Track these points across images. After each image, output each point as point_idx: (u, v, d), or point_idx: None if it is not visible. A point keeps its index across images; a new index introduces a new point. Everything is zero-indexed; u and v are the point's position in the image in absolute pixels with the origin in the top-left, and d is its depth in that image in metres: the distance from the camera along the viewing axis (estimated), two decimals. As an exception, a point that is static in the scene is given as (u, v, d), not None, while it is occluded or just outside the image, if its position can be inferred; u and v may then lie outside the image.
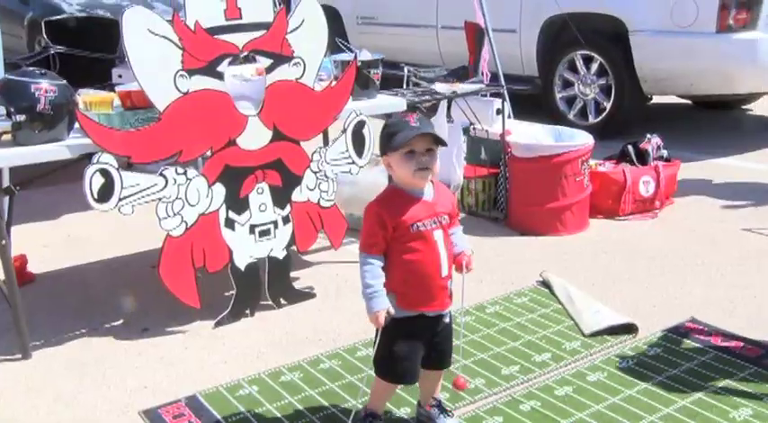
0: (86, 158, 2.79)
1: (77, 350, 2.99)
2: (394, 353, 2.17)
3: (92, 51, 5.23)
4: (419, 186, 2.13)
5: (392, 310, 2.11)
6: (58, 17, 6.17)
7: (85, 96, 3.08)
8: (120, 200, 2.81)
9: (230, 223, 3.11)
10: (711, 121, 6.65)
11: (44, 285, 3.61)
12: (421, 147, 2.07)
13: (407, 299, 2.14)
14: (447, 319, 2.23)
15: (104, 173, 2.76)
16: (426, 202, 2.14)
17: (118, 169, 2.79)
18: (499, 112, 4.33)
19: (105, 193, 2.77)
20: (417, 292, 2.14)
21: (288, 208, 3.27)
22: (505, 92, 4.54)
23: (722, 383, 2.58)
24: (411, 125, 2.06)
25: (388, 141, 2.10)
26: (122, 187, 2.80)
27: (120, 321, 3.22)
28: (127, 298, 3.38)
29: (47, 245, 4.13)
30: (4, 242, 2.86)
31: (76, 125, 2.84)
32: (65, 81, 2.88)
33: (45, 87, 2.78)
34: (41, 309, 3.32)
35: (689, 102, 7.02)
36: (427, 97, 4.07)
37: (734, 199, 4.53)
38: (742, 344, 2.83)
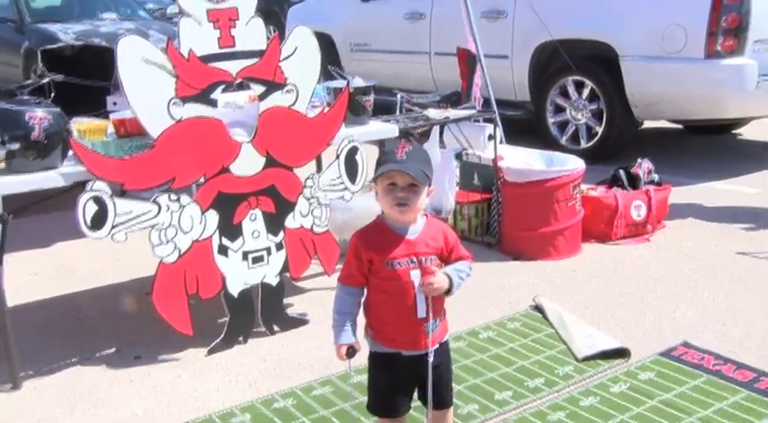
0: (80, 186, 2.80)
1: (69, 379, 2.97)
2: (372, 385, 2.19)
3: (87, 79, 5.25)
4: (399, 221, 2.05)
5: (357, 346, 2.09)
6: (54, 46, 6.21)
7: (79, 124, 3.09)
8: (113, 227, 2.81)
9: (223, 250, 3.11)
10: (702, 145, 6.70)
11: (36, 314, 3.59)
12: (402, 181, 2.00)
13: (382, 335, 2.11)
14: (431, 359, 2.07)
15: (98, 200, 2.77)
16: (407, 241, 2.05)
17: (111, 197, 2.80)
18: (491, 137, 4.38)
19: (98, 221, 2.78)
20: (391, 331, 2.09)
21: (281, 234, 3.28)
22: (497, 117, 4.58)
23: (715, 407, 2.58)
24: (396, 158, 2.00)
25: (375, 170, 2.08)
26: (115, 215, 2.81)
27: (113, 350, 3.21)
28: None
29: (39, 273, 4.12)
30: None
31: (70, 153, 2.86)
32: (59, 109, 2.89)
33: (39, 116, 2.79)
34: (33, 338, 3.31)
35: (680, 126, 7.08)
36: (420, 123, 4.10)
37: (725, 222, 4.56)
38: (734, 367, 2.83)
